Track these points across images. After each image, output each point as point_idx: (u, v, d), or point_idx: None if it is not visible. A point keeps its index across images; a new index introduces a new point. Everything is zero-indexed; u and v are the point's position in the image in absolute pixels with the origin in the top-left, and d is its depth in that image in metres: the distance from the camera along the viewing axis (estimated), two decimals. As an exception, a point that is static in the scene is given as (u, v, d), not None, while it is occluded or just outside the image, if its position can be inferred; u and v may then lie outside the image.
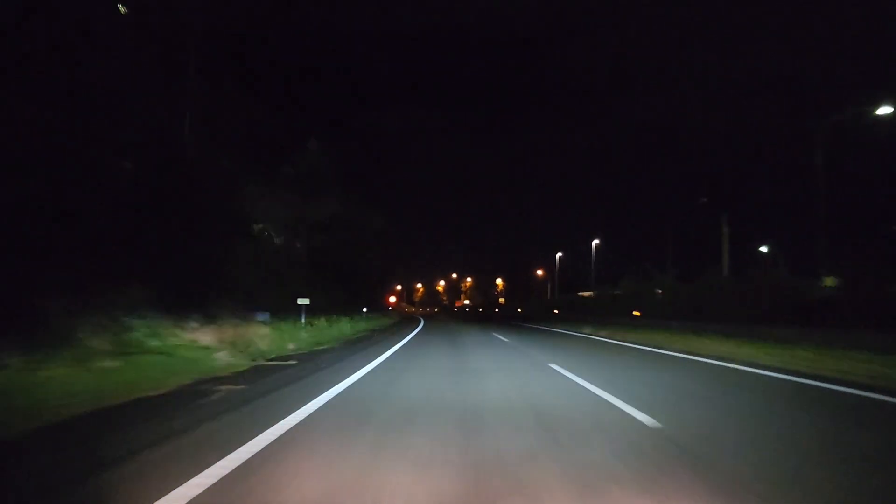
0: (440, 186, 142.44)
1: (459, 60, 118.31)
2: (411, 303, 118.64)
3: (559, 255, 60.18)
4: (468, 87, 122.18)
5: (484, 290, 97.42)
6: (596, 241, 49.18)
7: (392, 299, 63.62)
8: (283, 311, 14.20)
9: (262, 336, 9.71)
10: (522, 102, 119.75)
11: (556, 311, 42.29)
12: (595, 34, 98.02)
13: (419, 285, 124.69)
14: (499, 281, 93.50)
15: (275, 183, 26.75)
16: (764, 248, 40.99)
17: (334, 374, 6.77)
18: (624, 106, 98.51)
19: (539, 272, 74.60)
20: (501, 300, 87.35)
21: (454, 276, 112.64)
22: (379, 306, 42.06)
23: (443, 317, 51.48)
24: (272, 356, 8.55)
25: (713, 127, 69.86)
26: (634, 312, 30.86)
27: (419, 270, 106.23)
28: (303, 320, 13.44)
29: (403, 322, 26.79)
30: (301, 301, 13.48)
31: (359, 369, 7.34)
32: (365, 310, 23.10)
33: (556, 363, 8.54)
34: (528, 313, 49.41)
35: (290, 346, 10.00)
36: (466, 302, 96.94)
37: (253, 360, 7.78)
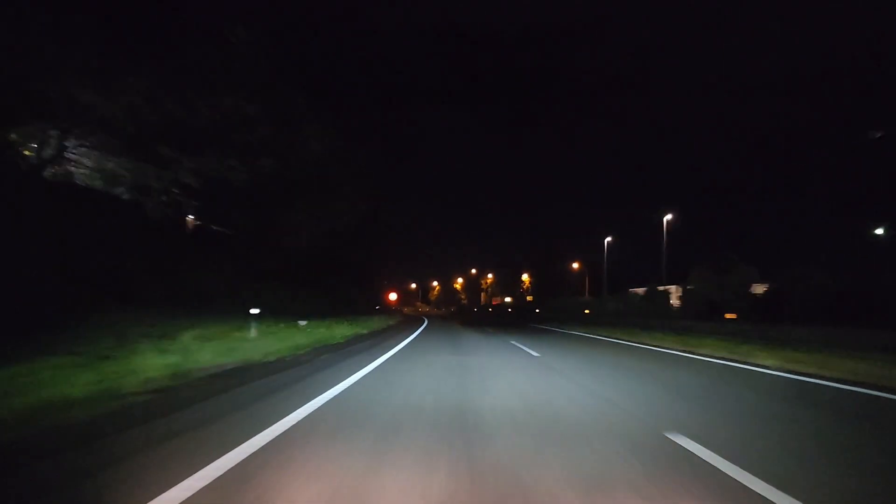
0: (458, 176, 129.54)
1: (484, 51, 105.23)
2: (427, 302, 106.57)
3: (608, 239, 46.24)
4: (487, 75, 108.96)
5: (507, 286, 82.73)
6: (668, 217, 35.19)
7: (393, 297, 50.80)
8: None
9: None
10: (554, 79, 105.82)
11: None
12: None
13: (435, 283, 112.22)
14: (525, 276, 79.44)
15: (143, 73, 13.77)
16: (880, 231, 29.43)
17: None
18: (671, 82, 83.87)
19: (574, 265, 60.85)
20: (529, 298, 73.18)
21: (474, 271, 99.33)
22: (359, 306, 29.03)
23: (456, 324, 28.44)
24: None
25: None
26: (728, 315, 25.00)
27: (437, 267, 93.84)
28: None
29: (334, 351, 10.72)
30: None
31: None
32: (255, 311, 9.95)
33: None
34: (600, 317, 33.56)
35: None
36: (508, 300, 78.22)
37: None
